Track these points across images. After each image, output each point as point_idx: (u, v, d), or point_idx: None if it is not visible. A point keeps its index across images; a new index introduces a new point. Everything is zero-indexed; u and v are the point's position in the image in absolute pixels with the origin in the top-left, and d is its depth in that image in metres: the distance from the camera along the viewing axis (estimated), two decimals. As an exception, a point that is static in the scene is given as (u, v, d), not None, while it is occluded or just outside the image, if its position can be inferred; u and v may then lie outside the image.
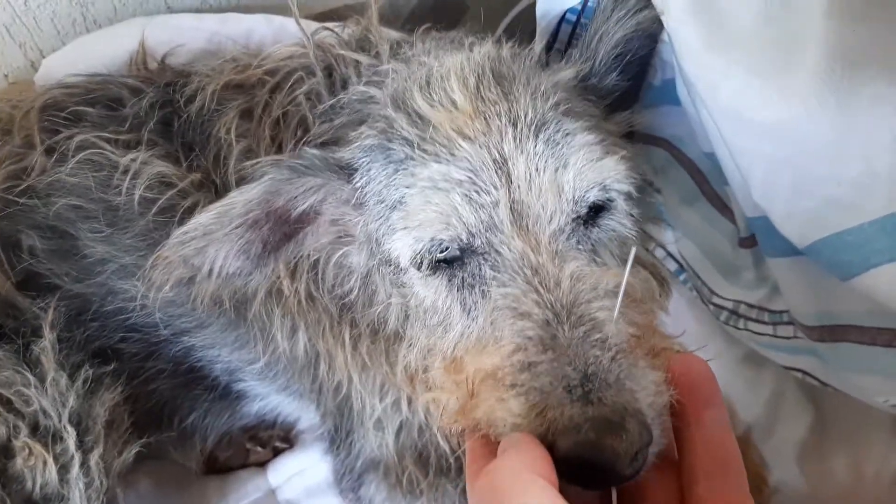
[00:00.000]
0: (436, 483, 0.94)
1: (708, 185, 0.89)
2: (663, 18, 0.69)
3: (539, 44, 0.88)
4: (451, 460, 0.92)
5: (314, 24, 0.97)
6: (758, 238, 0.76)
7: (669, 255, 1.03)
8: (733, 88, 0.62)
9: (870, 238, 0.58)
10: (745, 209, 0.73)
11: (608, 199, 0.66)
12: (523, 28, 0.93)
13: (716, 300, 0.94)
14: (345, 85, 0.83)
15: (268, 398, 1.06)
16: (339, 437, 0.97)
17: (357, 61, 0.83)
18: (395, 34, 0.91)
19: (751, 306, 0.90)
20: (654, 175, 0.96)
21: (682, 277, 1.03)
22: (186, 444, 1.05)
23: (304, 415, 1.08)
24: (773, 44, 0.60)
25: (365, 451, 0.96)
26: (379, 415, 0.91)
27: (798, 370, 0.89)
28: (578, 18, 0.89)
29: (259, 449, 1.11)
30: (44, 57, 1.08)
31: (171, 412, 1.01)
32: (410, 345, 0.76)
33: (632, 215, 0.70)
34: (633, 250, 0.57)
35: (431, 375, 0.70)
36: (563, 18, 0.88)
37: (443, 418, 0.64)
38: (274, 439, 1.12)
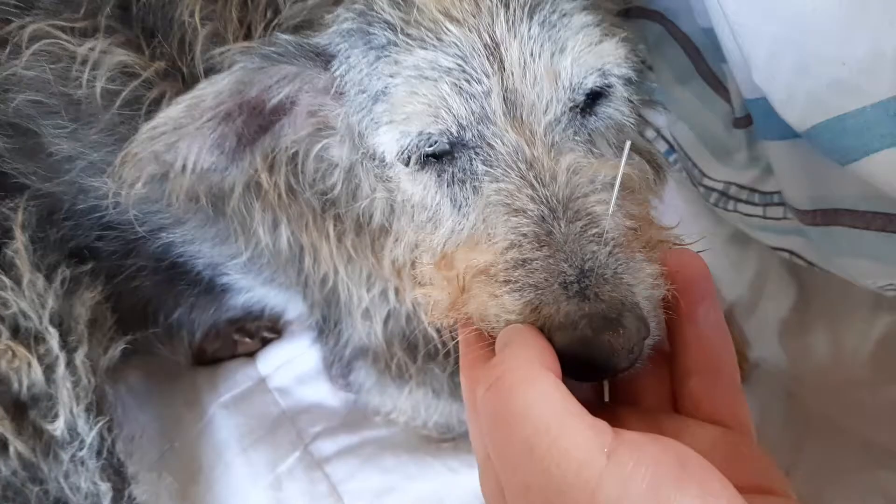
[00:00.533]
0: (424, 367, 0.95)
1: (703, 62, 0.85)
2: None
3: None
4: (439, 345, 0.93)
5: None
6: (754, 120, 0.74)
7: (660, 135, 1.00)
8: None
9: (871, 122, 0.56)
10: (744, 90, 0.70)
11: (607, 85, 0.62)
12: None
13: (706, 181, 0.93)
14: None
15: (253, 290, 1.05)
16: (328, 327, 0.97)
17: None
18: None
19: (741, 187, 0.89)
20: (647, 52, 0.91)
21: (671, 158, 1.01)
22: (174, 338, 1.05)
23: (290, 305, 1.08)
24: None
25: (353, 340, 0.96)
26: (366, 305, 0.90)
27: (785, 250, 0.89)
28: None
29: (247, 340, 1.11)
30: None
31: (156, 308, 1.00)
32: (397, 239, 0.75)
33: (630, 101, 0.67)
34: (628, 144, 0.54)
35: (420, 271, 0.68)
36: None
37: (432, 313, 0.62)
38: (262, 330, 1.12)
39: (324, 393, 1.07)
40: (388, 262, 0.81)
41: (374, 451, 1.01)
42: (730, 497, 0.37)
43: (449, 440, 1.01)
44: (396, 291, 0.89)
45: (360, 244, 0.82)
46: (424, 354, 0.95)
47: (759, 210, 0.87)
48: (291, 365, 1.09)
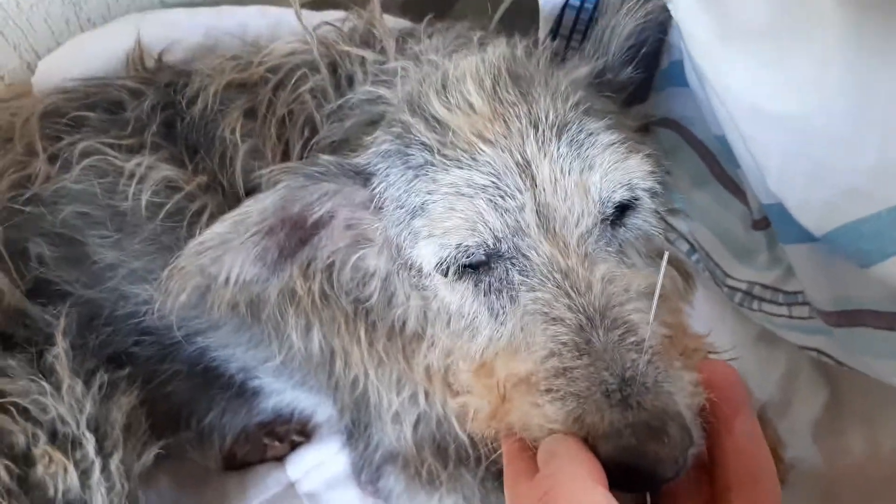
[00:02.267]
0: (455, 473, 0.95)
1: (719, 166, 0.88)
2: (671, 7, 0.68)
3: (543, 31, 0.87)
4: (470, 451, 0.93)
5: (314, 16, 0.96)
6: (773, 225, 0.76)
7: (681, 236, 1.02)
8: (746, 80, 0.61)
9: (887, 226, 0.58)
10: (760, 196, 0.73)
11: (634, 198, 0.65)
12: (521, 13, 0.92)
13: (730, 282, 0.94)
14: (350, 82, 0.81)
15: (284, 394, 1.06)
16: (357, 430, 0.97)
17: (363, 58, 0.81)
18: (398, 25, 0.90)
19: (765, 287, 0.90)
20: (663, 157, 0.95)
21: (694, 258, 1.03)
22: (205, 443, 1.05)
23: (320, 409, 1.08)
24: (784, 33, 0.59)
25: (383, 444, 0.96)
26: (396, 408, 0.91)
27: (813, 349, 0.89)
28: (582, 3, 0.87)
29: (276, 443, 1.11)
30: (39, 58, 1.06)
31: (189, 413, 1.01)
32: (432, 344, 0.76)
33: (657, 212, 0.70)
34: (666, 255, 0.57)
35: (458, 379, 0.70)
36: (566, 4, 0.87)
37: (474, 423, 0.63)
38: (291, 433, 1.12)
39: (353, 498, 1.05)
40: (420, 368, 0.82)
41: (403, 559, 0.99)
42: None
43: (479, 549, 0.99)
44: (426, 395, 0.89)
45: (391, 348, 0.84)
46: (455, 460, 0.94)
47: (783, 310, 0.88)
48: (320, 469, 1.08)
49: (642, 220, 0.67)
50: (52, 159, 0.88)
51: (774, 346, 1.04)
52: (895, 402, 0.95)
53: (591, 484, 0.45)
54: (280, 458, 1.11)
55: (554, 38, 0.89)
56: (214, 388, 1.01)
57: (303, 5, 0.94)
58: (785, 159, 0.62)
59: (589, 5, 0.87)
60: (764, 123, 0.62)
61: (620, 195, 0.64)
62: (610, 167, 0.63)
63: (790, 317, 0.88)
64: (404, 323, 0.79)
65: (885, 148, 0.57)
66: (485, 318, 0.66)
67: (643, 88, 0.80)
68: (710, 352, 0.60)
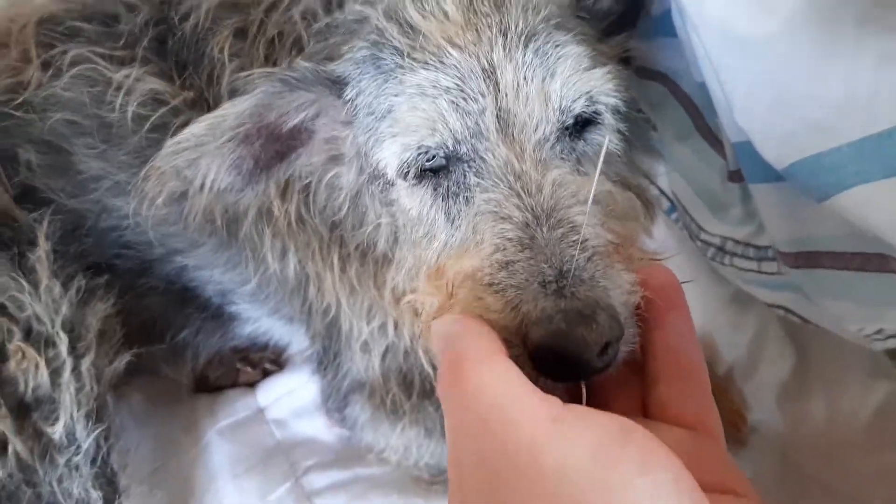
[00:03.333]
0: (418, 405, 0.96)
1: (701, 118, 0.88)
2: None
3: None
4: (435, 384, 0.94)
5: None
6: (741, 164, 0.76)
7: (662, 192, 1.03)
8: (720, 3, 0.62)
9: (846, 160, 0.58)
10: (730, 134, 0.73)
11: (595, 112, 0.67)
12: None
13: (703, 236, 0.95)
14: (341, 3, 0.82)
15: (259, 321, 1.08)
16: (327, 358, 0.99)
17: None
18: None
19: (737, 242, 0.91)
20: (650, 111, 0.96)
21: (673, 216, 1.04)
22: (178, 358, 1.08)
23: (294, 339, 1.10)
24: None
25: (351, 373, 0.98)
26: (366, 337, 0.92)
27: (780, 307, 0.90)
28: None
29: (249, 370, 1.13)
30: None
31: (164, 327, 1.04)
32: (398, 267, 0.77)
33: (619, 131, 0.71)
34: (606, 141, 0.58)
35: (415, 286, 0.71)
36: None
37: (420, 319, 0.65)
38: (264, 361, 1.14)
39: (319, 428, 1.08)
40: (388, 292, 0.83)
41: (364, 488, 1.01)
42: (673, 465, 0.38)
43: (439, 482, 1.01)
44: (395, 325, 0.91)
45: (363, 273, 0.85)
46: (419, 391, 0.96)
47: (753, 265, 0.89)
48: (290, 398, 1.11)
49: (602, 137, 0.68)
50: (45, 66, 0.90)
51: (745, 309, 1.04)
52: (856, 367, 0.97)
53: (490, 354, 0.46)
54: (251, 385, 1.13)
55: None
56: (191, 307, 1.03)
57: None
58: (751, 86, 0.63)
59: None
60: (733, 49, 0.63)
61: (581, 105, 0.65)
62: (571, 76, 0.64)
63: (759, 272, 0.88)
64: (374, 244, 0.80)
65: (849, 81, 0.57)
66: (441, 223, 0.67)
67: (625, 22, 0.80)
68: (652, 259, 0.60)
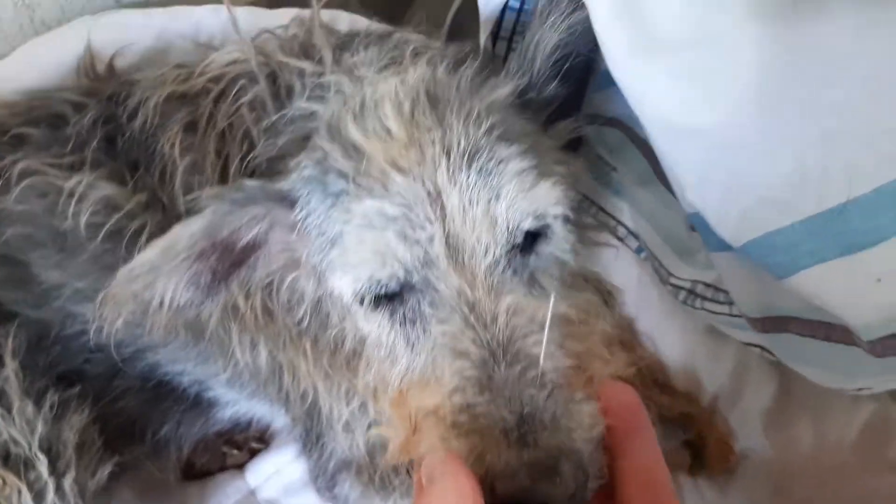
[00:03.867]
0: (407, 479, 0.96)
1: (660, 166, 0.88)
2: (592, 20, 0.68)
3: (483, 34, 0.87)
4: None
5: (263, 15, 0.95)
6: (699, 232, 0.77)
7: (631, 233, 1.03)
8: (660, 94, 0.62)
9: (799, 239, 0.59)
10: (684, 205, 0.73)
11: (544, 226, 0.66)
12: (475, 12, 0.91)
13: (673, 280, 0.95)
14: (290, 93, 0.81)
15: (238, 404, 1.06)
16: (311, 440, 0.98)
17: (301, 69, 0.81)
18: (354, 25, 0.89)
19: (707, 285, 0.91)
20: (609, 154, 0.95)
21: (643, 255, 1.04)
22: (161, 455, 1.06)
23: (276, 417, 1.09)
24: (697, 48, 0.59)
25: (336, 453, 0.96)
26: (347, 418, 0.91)
27: (756, 346, 0.91)
28: (522, 5, 0.87)
29: (235, 452, 1.12)
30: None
31: (143, 427, 1.02)
32: (368, 364, 0.76)
33: (571, 234, 0.70)
34: (552, 299, 0.57)
35: (380, 407, 0.70)
36: (506, 6, 0.87)
37: (389, 453, 0.64)
38: (249, 441, 1.13)
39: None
40: (363, 384, 0.83)
41: (363, 561, 1.00)
42: None
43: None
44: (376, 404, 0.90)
45: (335, 363, 0.84)
46: (408, 466, 0.95)
47: (725, 308, 0.89)
48: (279, 476, 1.09)
49: (553, 247, 0.68)
50: None
51: (724, 339, 1.04)
52: (839, 393, 0.97)
53: None
54: (240, 466, 1.12)
55: (494, 41, 0.89)
56: (168, 401, 1.02)
57: (257, 3, 0.92)
58: (701, 172, 0.63)
59: (529, 7, 0.87)
60: (679, 137, 0.63)
61: (529, 224, 0.64)
62: (516, 196, 0.62)
63: (731, 315, 0.89)
64: (343, 342, 0.79)
65: (799, 157, 0.57)
66: (402, 348, 0.66)
67: (574, 101, 0.79)
68: (618, 374, 0.60)
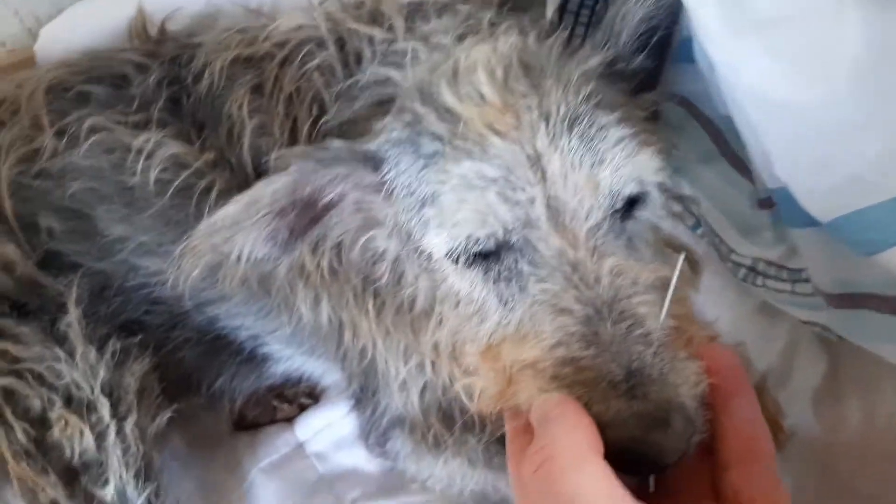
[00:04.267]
0: (460, 438, 0.97)
1: (726, 144, 0.87)
2: None
3: (550, 7, 0.86)
4: (475, 417, 0.95)
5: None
6: (780, 208, 0.76)
7: (687, 210, 1.02)
8: (756, 70, 0.61)
9: (891, 216, 0.59)
10: (766, 179, 0.73)
11: (643, 193, 0.66)
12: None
13: (734, 257, 0.95)
14: (358, 60, 0.81)
15: (293, 360, 1.08)
16: (365, 396, 1.00)
17: (370, 36, 0.80)
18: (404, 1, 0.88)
19: (769, 263, 0.91)
20: (671, 132, 0.94)
21: (698, 232, 1.03)
22: (215, 406, 1.08)
23: (328, 373, 1.11)
24: (796, 24, 0.58)
25: (390, 410, 0.98)
26: (403, 377, 0.93)
27: (816, 324, 0.90)
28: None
29: (286, 406, 1.14)
30: (41, 24, 1.05)
31: (199, 378, 1.04)
32: (440, 322, 0.77)
33: (666, 202, 0.71)
34: (682, 256, 0.57)
35: (465, 359, 0.71)
36: None
37: (480, 402, 0.65)
38: (300, 396, 1.15)
39: (361, 459, 1.09)
40: (428, 343, 0.83)
41: (410, 517, 1.02)
42: None
43: (485, 509, 1.02)
44: (433, 364, 0.91)
45: (399, 322, 0.85)
46: (461, 425, 0.97)
47: (787, 286, 0.89)
48: (329, 430, 1.12)
49: (650, 213, 0.68)
50: (58, 134, 0.89)
51: (775, 317, 1.04)
52: (892, 373, 0.97)
53: (588, 453, 0.47)
54: (289, 420, 1.14)
55: (562, 16, 0.88)
56: (224, 354, 1.03)
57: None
58: (792, 147, 0.62)
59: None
60: (772, 111, 0.62)
61: (631, 189, 0.64)
62: (620, 162, 0.63)
63: (793, 293, 0.88)
64: (413, 301, 0.80)
65: (891, 138, 0.57)
66: (493, 305, 0.67)
67: (654, 75, 0.78)
68: (712, 337, 0.61)
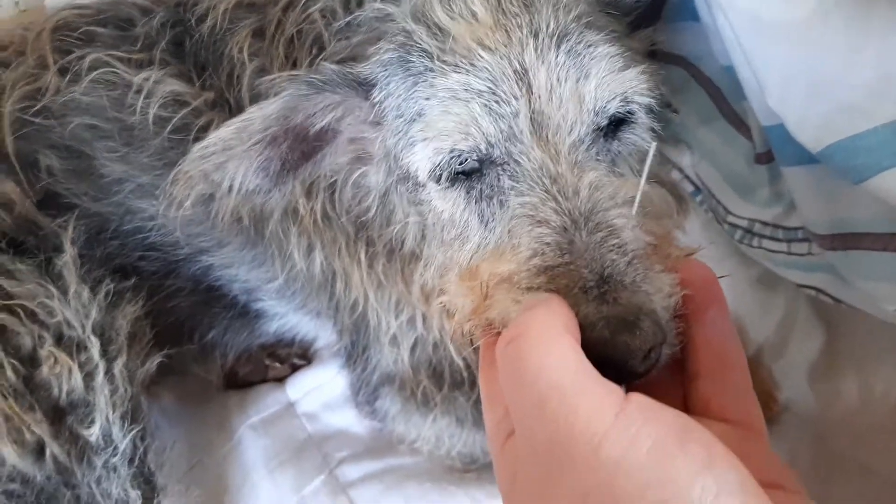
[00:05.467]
0: (449, 396, 0.97)
1: (725, 102, 0.87)
2: None
3: None
4: (465, 374, 0.95)
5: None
6: (773, 147, 0.76)
7: (686, 177, 1.02)
8: None
9: (883, 141, 0.58)
10: (761, 118, 0.72)
11: (629, 112, 0.66)
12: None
13: (731, 219, 0.94)
14: (360, 2, 0.81)
15: (286, 317, 1.08)
16: (356, 352, 1.00)
17: None
18: None
19: (765, 224, 0.90)
20: (672, 95, 0.94)
21: (698, 199, 1.03)
22: (207, 358, 1.08)
23: (321, 333, 1.11)
24: None
25: (381, 366, 0.98)
26: (394, 331, 0.93)
27: (811, 287, 0.90)
28: None
29: (277, 365, 1.14)
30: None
31: (192, 327, 1.04)
32: (427, 264, 0.77)
33: (652, 129, 0.70)
34: (652, 147, 0.57)
35: (446, 287, 0.71)
36: None
37: (454, 320, 0.65)
38: (292, 356, 1.15)
39: (350, 419, 1.09)
40: (416, 288, 0.83)
41: (398, 478, 1.02)
42: (733, 464, 0.38)
43: (472, 470, 1.02)
44: (424, 318, 0.91)
45: (390, 270, 0.85)
46: (450, 383, 0.96)
47: (783, 246, 0.88)
48: (320, 391, 1.12)
49: (636, 136, 0.68)
50: (62, 72, 0.90)
51: (773, 289, 1.04)
52: (888, 348, 0.96)
53: (560, 331, 0.46)
54: (281, 379, 1.14)
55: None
56: (217, 306, 1.04)
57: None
58: (784, 72, 0.62)
59: None
60: (764, 34, 0.62)
61: (615, 106, 0.64)
62: (606, 77, 0.63)
63: (789, 253, 0.87)
64: (402, 242, 0.80)
65: (882, 63, 0.57)
66: (475, 226, 0.67)
67: (651, 14, 0.78)
68: (689, 253, 0.60)
